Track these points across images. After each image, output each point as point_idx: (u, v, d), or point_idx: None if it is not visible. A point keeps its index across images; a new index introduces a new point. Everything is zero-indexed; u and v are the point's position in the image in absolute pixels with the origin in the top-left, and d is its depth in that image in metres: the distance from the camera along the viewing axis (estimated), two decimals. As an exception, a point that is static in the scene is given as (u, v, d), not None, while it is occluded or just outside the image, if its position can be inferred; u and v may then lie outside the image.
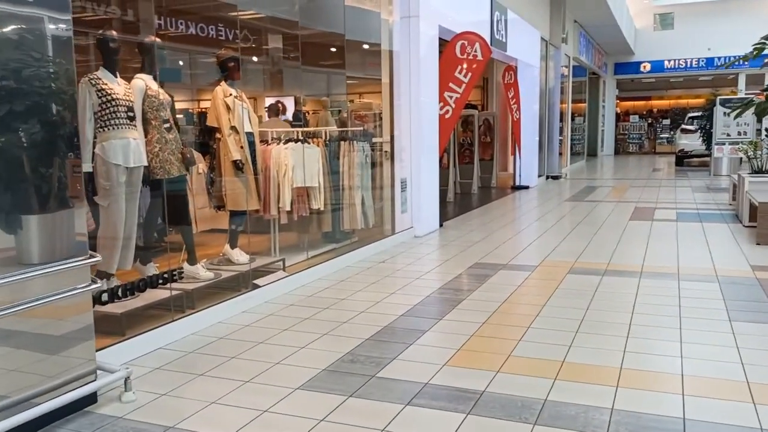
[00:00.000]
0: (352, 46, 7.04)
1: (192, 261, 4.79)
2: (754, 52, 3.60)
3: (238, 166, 5.08)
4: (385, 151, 7.43)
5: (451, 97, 8.14)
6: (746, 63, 3.77)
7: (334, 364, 3.32)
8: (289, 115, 7.72)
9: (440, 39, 8.13)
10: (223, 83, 5.15)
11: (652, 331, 3.67)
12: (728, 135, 12.88)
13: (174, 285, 4.49)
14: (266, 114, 7.84)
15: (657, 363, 3.18)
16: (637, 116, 28.76)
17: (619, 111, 28.74)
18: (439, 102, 8.05)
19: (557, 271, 5.33)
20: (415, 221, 7.54)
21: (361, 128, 7.04)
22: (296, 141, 5.82)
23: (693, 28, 24.55)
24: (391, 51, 7.30)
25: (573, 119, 20.81)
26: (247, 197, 5.23)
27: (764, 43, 3.56)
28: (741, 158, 13.95)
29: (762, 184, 7.24)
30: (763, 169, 7.71)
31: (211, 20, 5.90)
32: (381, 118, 7.51)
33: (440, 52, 8.03)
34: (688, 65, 25.27)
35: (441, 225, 8.19)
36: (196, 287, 4.56)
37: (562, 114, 17.29)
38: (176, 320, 3.94)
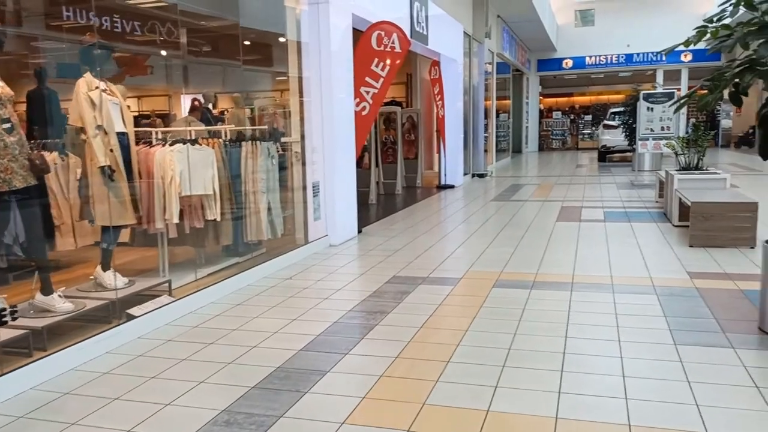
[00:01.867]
0: (252, 36, 6.29)
1: (46, 290, 3.93)
2: (697, 36, 3.12)
3: (106, 173, 4.25)
4: (296, 152, 6.71)
5: (367, 93, 7.50)
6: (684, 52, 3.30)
7: (203, 429, 2.59)
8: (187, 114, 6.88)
9: (355, 29, 7.48)
10: (87, 74, 4.30)
11: (590, 361, 3.14)
12: (652, 130, 12.89)
13: (20, 323, 3.63)
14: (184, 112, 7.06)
15: (599, 409, 2.63)
16: (559, 112, 29.20)
17: (542, 107, 29.06)
18: (355, 98, 7.39)
19: (482, 285, 4.78)
20: (329, 229, 6.86)
21: (265, 127, 6.29)
22: (185, 142, 5.02)
23: (613, 25, 25.02)
24: (300, 42, 6.58)
25: (498, 116, 20.70)
26: (120, 210, 4.40)
27: (706, 26, 3.08)
28: (662, 153, 14.05)
29: (691, 181, 7.00)
30: (691, 165, 7.50)
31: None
32: (291, 116, 6.79)
33: (355, 43, 7.37)
34: (609, 61, 25.75)
35: (360, 231, 7.54)
36: (51, 323, 3.72)
37: (486, 111, 17.04)
38: (11, 372, 3.09)
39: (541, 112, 28.53)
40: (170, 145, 4.96)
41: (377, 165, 12.27)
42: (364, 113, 7.54)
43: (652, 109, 13.39)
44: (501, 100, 21.28)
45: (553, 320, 3.81)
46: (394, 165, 12.63)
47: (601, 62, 25.85)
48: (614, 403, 2.66)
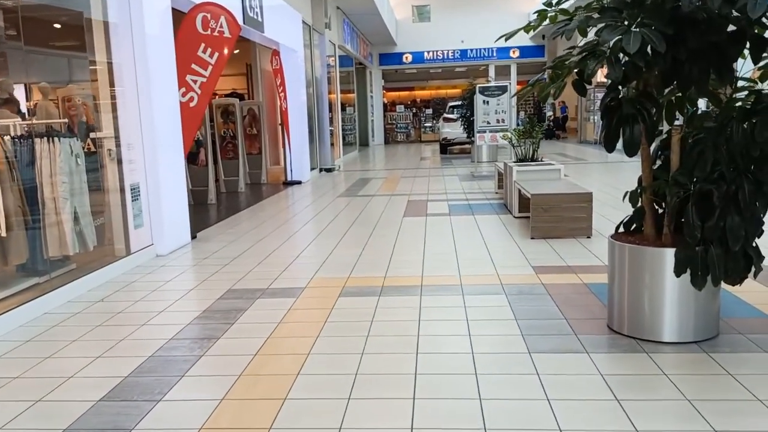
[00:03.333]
0: (48, 15, 5.30)
1: None
2: (538, 20, 2.90)
3: None
4: (109, 150, 5.80)
5: (195, 82, 6.72)
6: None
7: None
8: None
9: (176, 11, 6.67)
10: None
11: (444, 384, 2.81)
12: (488, 123, 13.31)
13: None
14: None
15: (456, 441, 2.29)
16: (402, 106, 29.79)
17: (386, 101, 29.44)
18: (180, 87, 6.60)
19: (328, 294, 4.34)
20: (156, 237, 6.03)
21: (65, 120, 5.33)
22: (-50, 141, 4.01)
23: (448, 21, 25.87)
24: (107, 22, 5.66)
25: (344, 109, 20.50)
26: None
27: (546, 10, 2.86)
28: (497, 145, 14.61)
29: (528, 173, 7.11)
30: (527, 157, 7.65)
31: None
32: (102, 108, 5.85)
33: (177, 26, 6.56)
34: (446, 57, 26.63)
35: (194, 237, 6.78)
36: None
37: (331, 104, 16.71)
38: None
39: (385, 105, 28.89)
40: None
41: (216, 161, 11.42)
42: (192, 104, 6.75)
43: (487, 102, 13.85)
44: (346, 94, 21.10)
45: (404, 332, 3.46)
46: (236, 161, 11.85)
47: (438, 57, 26.68)
48: (473, 434, 2.33)
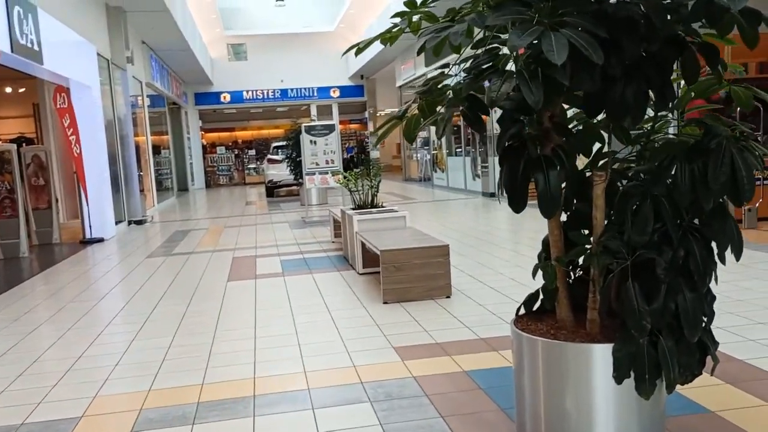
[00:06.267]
0: None
1: None
2: (406, 22, 1.96)
3: None
4: None
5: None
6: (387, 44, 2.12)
7: None
8: None
9: None
10: None
11: None
12: (317, 164, 12.42)
13: None
14: None
15: None
16: (223, 147, 28.19)
17: (205, 143, 27.64)
18: None
19: (115, 427, 2.95)
20: None
21: None
22: None
23: (266, 60, 24.98)
24: None
25: (158, 152, 18.50)
26: None
27: (407, 12, 1.92)
28: (327, 187, 13.77)
29: (370, 221, 6.22)
30: (367, 203, 6.79)
31: None
32: None
33: None
34: (266, 96, 25.66)
35: (-70, 335, 4.88)
36: None
37: (140, 147, 14.80)
38: None
39: (204, 147, 27.06)
40: None
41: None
42: None
43: (315, 142, 12.99)
44: (159, 135, 19.11)
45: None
46: (16, 219, 9.65)
47: (258, 97, 25.66)
48: None
